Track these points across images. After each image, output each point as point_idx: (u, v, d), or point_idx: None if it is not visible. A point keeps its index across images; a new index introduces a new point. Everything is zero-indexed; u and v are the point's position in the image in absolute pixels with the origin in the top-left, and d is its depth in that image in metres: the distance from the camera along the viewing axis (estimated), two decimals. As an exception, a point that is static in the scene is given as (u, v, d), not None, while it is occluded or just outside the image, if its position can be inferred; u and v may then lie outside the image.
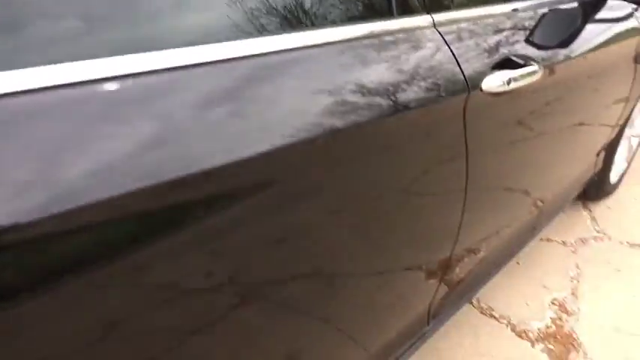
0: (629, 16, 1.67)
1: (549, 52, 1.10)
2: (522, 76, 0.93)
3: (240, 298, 0.58)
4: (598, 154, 1.87)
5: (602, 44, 1.47)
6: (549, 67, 1.08)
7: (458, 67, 0.82)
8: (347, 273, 0.77)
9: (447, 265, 1.03)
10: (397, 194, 0.79)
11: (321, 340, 0.80)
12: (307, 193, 0.61)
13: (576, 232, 2.00)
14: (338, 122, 0.60)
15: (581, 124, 1.56)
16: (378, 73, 0.70)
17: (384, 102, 0.68)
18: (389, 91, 0.70)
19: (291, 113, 0.57)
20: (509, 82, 0.89)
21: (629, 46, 1.67)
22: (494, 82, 0.87)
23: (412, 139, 0.77)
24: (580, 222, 2.07)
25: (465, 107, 0.83)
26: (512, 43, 0.98)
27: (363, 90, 0.66)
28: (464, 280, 1.25)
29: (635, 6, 1.74)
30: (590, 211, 2.15)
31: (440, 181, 0.88)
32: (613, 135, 1.91)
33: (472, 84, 0.83)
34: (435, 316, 1.19)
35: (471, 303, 1.61)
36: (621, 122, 1.91)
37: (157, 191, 0.44)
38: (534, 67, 0.97)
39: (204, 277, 0.52)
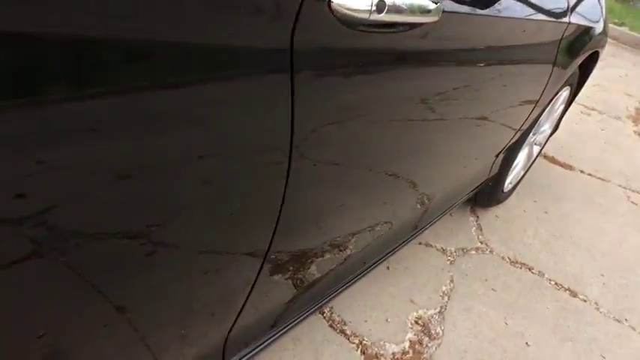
0: (563, 14, 1.42)
1: (460, 5, 0.78)
2: (408, 8, 0.59)
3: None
4: (497, 157, 1.65)
5: (524, 31, 1.20)
6: (453, 18, 0.76)
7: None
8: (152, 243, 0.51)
9: (262, 262, 0.69)
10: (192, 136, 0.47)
11: (102, 332, 0.54)
12: None
13: (459, 240, 1.78)
14: None
15: (483, 117, 1.31)
16: None
17: None
18: None
19: None
20: (381, 9, 0.54)
21: (550, 45, 1.42)
22: (356, 0, 0.51)
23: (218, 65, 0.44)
24: (465, 229, 1.86)
25: (294, 31, 0.48)
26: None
27: None
28: (320, 281, 0.97)
29: (573, 4, 1.50)
30: (477, 217, 1.95)
31: (249, 134, 0.52)
32: (515, 139, 1.69)
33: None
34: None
35: (322, 313, 1.31)
36: (526, 127, 1.71)
37: None
38: (430, 3, 0.64)
39: None
